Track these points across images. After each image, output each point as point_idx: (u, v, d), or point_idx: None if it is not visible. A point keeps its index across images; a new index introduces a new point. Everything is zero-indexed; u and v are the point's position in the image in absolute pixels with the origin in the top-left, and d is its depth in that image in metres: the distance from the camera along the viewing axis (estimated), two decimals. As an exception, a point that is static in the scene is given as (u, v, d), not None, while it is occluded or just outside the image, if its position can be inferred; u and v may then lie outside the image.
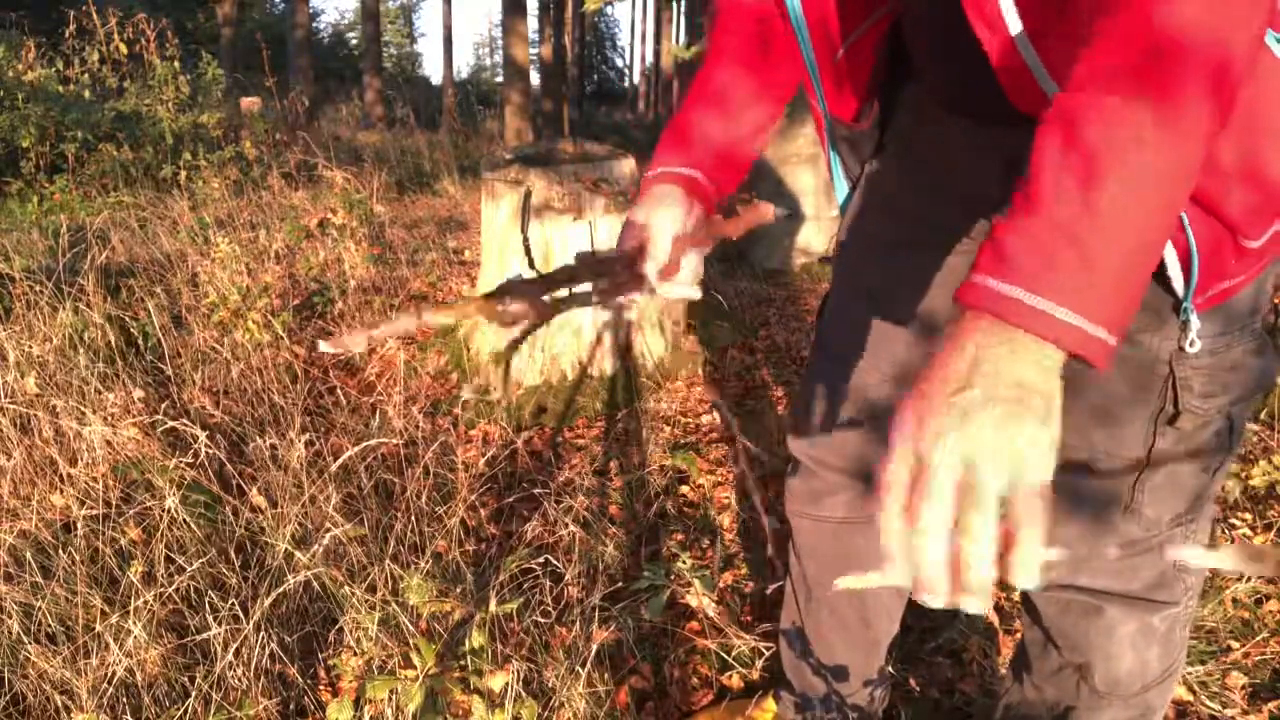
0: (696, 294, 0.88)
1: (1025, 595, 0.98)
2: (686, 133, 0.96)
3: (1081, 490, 0.85)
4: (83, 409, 1.96)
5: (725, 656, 1.53)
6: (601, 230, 2.61)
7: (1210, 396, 0.79)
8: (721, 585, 1.76)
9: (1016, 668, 1.08)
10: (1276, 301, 0.85)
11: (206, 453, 1.84)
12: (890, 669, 1.26)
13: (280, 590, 1.41)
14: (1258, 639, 1.55)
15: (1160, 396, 0.79)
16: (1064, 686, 0.99)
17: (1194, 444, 0.82)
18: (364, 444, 1.84)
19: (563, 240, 2.59)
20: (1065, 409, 0.77)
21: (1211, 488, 0.87)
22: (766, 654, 1.52)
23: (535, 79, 14.83)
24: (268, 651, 1.36)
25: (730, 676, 1.51)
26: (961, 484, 0.51)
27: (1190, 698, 1.43)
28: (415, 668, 1.19)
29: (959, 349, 0.55)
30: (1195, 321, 0.74)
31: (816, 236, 4.35)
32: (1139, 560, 0.87)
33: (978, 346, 0.54)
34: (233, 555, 1.61)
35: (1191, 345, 0.75)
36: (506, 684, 1.21)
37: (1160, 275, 0.72)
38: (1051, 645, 0.98)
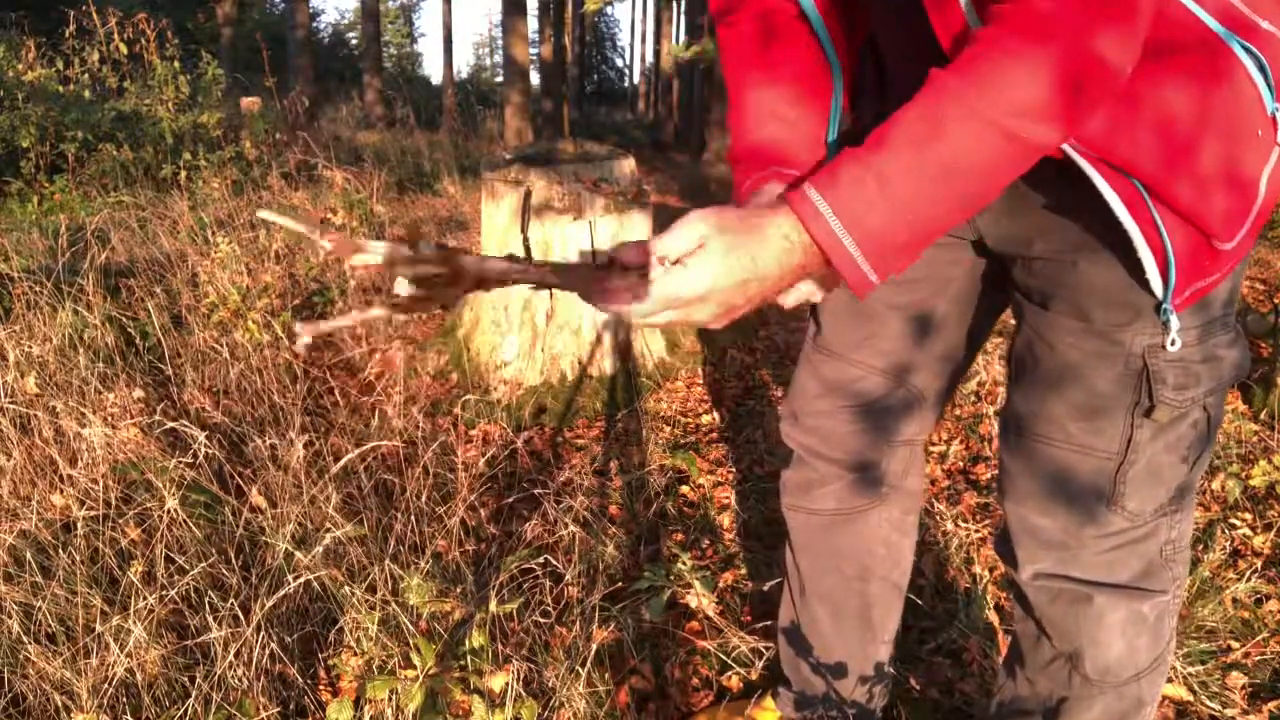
0: None
1: (1017, 587, 0.99)
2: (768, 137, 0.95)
3: (1065, 483, 0.89)
4: (83, 409, 1.96)
5: (725, 656, 1.53)
6: (601, 230, 2.61)
7: (1184, 389, 0.82)
8: (721, 585, 1.76)
9: (1010, 663, 1.09)
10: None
11: (206, 453, 1.84)
12: (890, 668, 1.26)
13: (280, 591, 1.41)
14: (1258, 639, 1.55)
15: (1136, 390, 0.82)
16: (1056, 678, 1.00)
17: (1172, 436, 0.85)
18: (364, 446, 1.84)
19: (563, 240, 2.58)
20: (1046, 405, 0.89)
21: (1192, 479, 0.89)
22: (766, 654, 1.52)
23: (535, 79, 14.83)
24: (268, 652, 1.36)
25: (730, 677, 1.51)
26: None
27: (1190, 698, 1.43)
28: (415, 668, 1.19)
29: (750, 229, 0.68)
30: (1175, 322, 0.78)
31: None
32: (1125, 551, 0.90)
33: (762, 230, 0.67)
34: (233, 556, 1.61)
35: (1173, 344, 0.79)
36: (506, 684, 1.21)
37: (1139, 277, 0.76)
38: (1044, 637, 1.00)
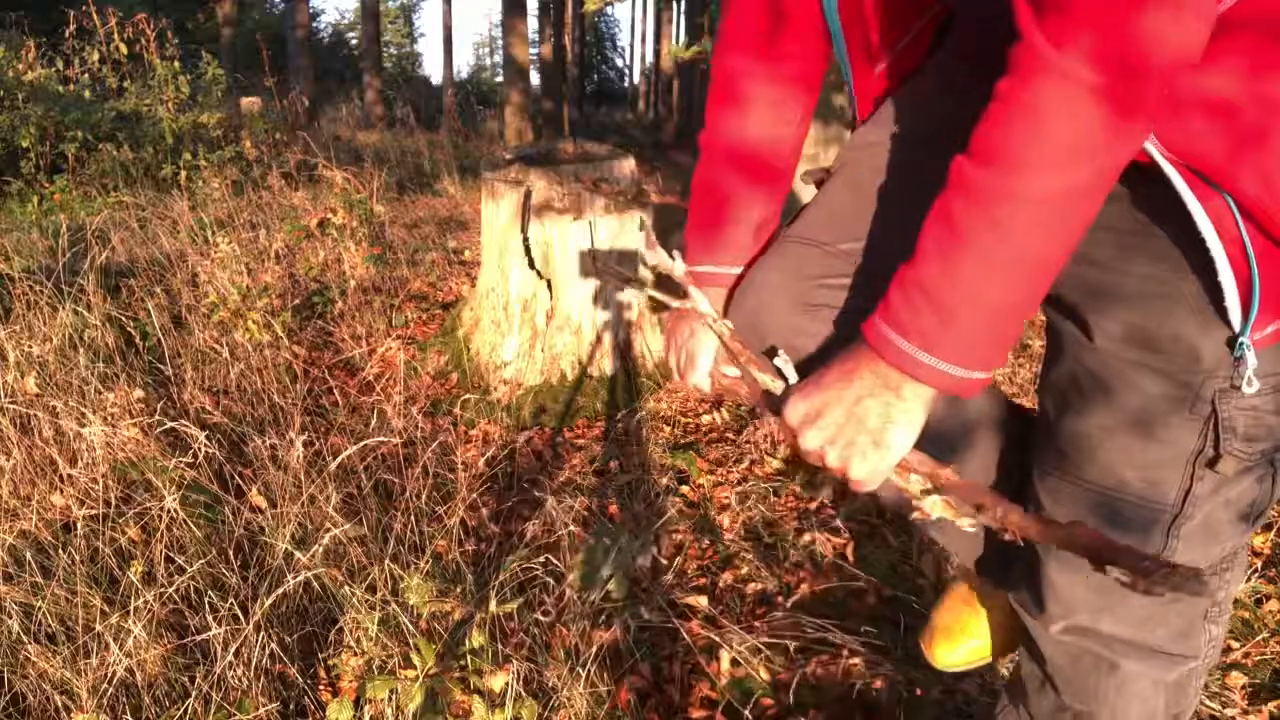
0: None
1: (1029, 635, 0.91)
2: (722, 213, 0.96)
3: (1114, 532, 0.78)
4: (83, 409, 1.96)
5: (725, 656, 1.52)
6: (601, 230, 2.61)
7: (1254, 440, 0.74)
8: (721, 585, 1.76)
9: (1013, 694, 1.00)
10: None
11: (206, 453, 1.84)
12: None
13: (280, 590, 1.41)
14: (1258, 639, 1.55)
15: (1201, 438, 0.74)
16: None
17: (1233, 491, 0.77)
18: (363, 442, 1.84)
19: (563, 240, 2.58)
20: (1097, 449, 0.82)
21: (1246, 538, 0.82)
22: (767, 654, 1.52)
23: (535, 79, 14.83)
24: (268, 651, 1.36)
25: (729, 676, 1.51)
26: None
27: (1190, 698, 1.43)
28: (415, 668, 1.19)
29: (846, 373, 0.71)
30: (1252, 359, 0.69)
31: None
32: (1166, 609, 0.82)
33: (857, 371, 0.71)
34: (232, 555, 1.61)
35: (1249, 384, 0.70)
36: (506, 684, 1.21)
37: (1218, 306, 0.69)
38: (1050, 686, 0.92)
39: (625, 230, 2.64)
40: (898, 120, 0.90)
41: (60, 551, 1.56)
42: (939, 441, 0.92)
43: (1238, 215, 0.66)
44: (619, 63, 46.28)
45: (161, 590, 1.46)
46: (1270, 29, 0.60)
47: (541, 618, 1.53)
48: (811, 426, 0.73)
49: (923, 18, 0.89)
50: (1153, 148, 0.65)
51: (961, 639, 1.10)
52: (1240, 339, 0.68)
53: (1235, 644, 1.55)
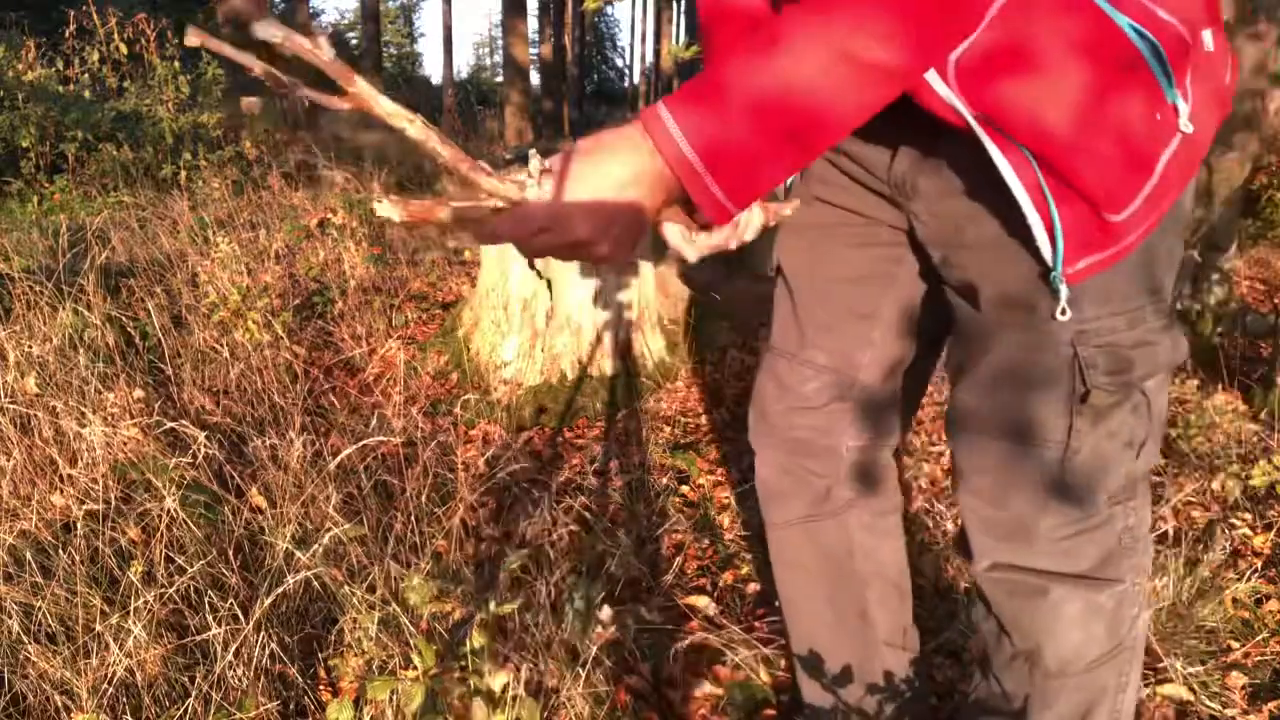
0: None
1: (978, 585, 1.00)
2: None
3: (1015, 474, 0.90)
4: (83, 409, 1.96)
5: (725, 657, 1.52)
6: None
7: (1118, 373, 0.83)
8: (721, 585, 1.76)
9: (979, 661, 1.10)
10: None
11: (206, 453, 1.84)
12: (913, 677, 1.24)
13: (280, 590, 1.41)
14: (1258, 639, 1.55)
15: (1071, 378, 0.84)
16: (1018, 677, 1.01)
17: (1113, 422, 0.86)
18: (363, 442, 1.84)
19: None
20: (989, 399, 0.91)
21: (1141, 466, 0.90)
22: (766, 652, 1.52)
23: (535, 79, 14.83)
24: (268, 651, 1.36)
25: (729, 676, 1.51)
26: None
27: (1190, 698, 1.43)
28: (415, 668, 1.19)
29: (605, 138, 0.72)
30: (1065, 291, 0.79)
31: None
32: (1083, 540, 0.91)
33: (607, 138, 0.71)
34: (232, 556, 1.61)
35: (1063, 314, 0.79)
36: (507, 684, 1.21)
37: (1037, 251, 0.78)
38: (1005, 635, 1.01)
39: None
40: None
41: (60, 551, 1.56)
42: (875, 411, 1.09)
43: (1034, 162, 0.74)
44: (619, 63, 46.29)
45: (161, 590, 1.46)
46: None
47: (541, 618, 1.53)
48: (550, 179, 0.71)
49: None
50: (963, 109, 0.73)
51: None
52: (1054, 273, 0.78)
53: (1235, 644, 1.55)
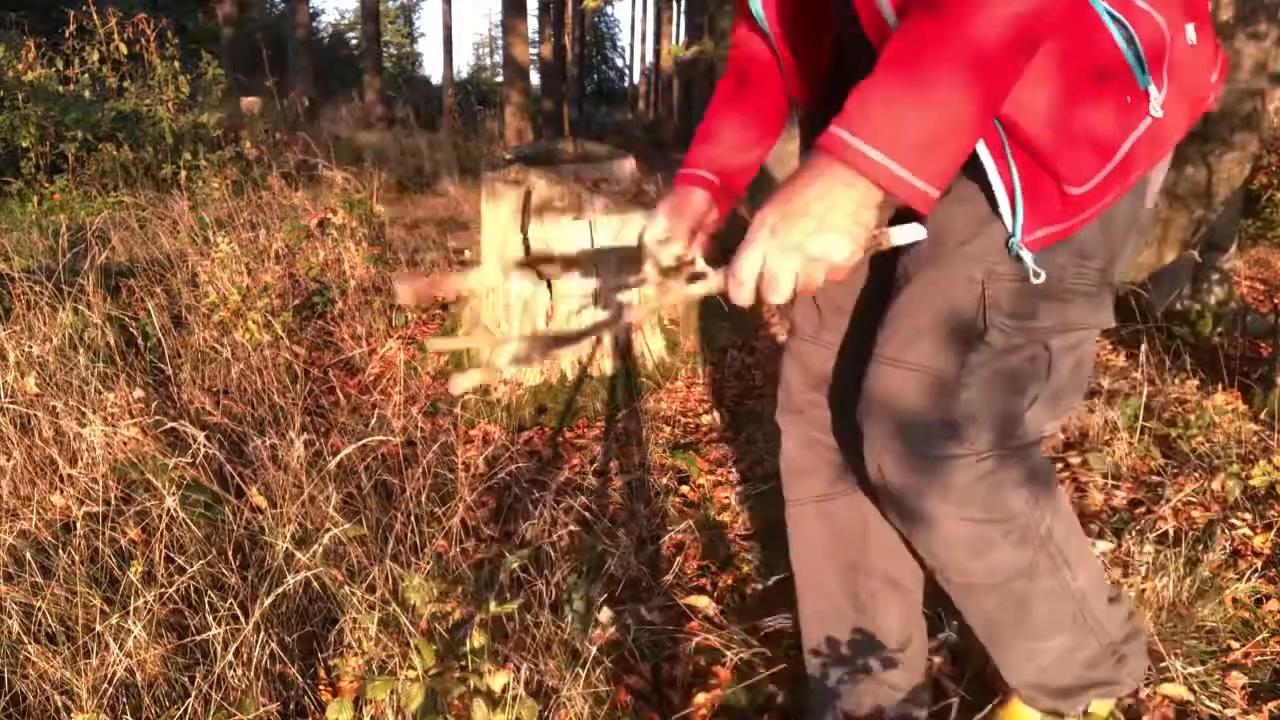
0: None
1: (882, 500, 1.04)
2: (708, 140, 1.10)
3: (913, 403, 0.93)
4: (83, 409, 1.96)
5: (725, 657, 1.52)
6: (602, 230, 2.61)
7: (1019, 317, 0.86)
8: (721, 585, 1.76)
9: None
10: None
11: (206, 453, 1.84)
12: (922, 685, 1.25)
13: (280, 590, 1.41)
14: (1258, 639, 1.55)
15: (975, 314, 0.87)
16: (940, 585, 1.08)
17: (1006, 364, 0.89)
18: (363, 442, 1.84)
19: (563, 240, 2.58)
20: (900, 328, 0.94)
21: (1027, 417, 0.94)
22: (766, 651, 1.52)
23: (535, 79, 14.83)
24: (268, 651, 1.36)
25: (729, 677, 1.51)
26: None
27: (1190, 698, 1.43)
28: (415, 668, 1.19)
29: (796, 186, 0.72)
30: (1029, 257, 0.82)
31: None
32: (967, 477, 0.93)
33: (813, 177, 0.71)
34: (232, 555, 1.61)
35: (1036, 277, 0.83)
36: (507, 684, 1.21)
37: (994, 207, 0.82)
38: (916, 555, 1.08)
39: (626, 230, 2.64)
40: None
41: (60, 551, 1.56)
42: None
43: (1003, 134, 0.78)
44: (619, 63, 46.28)
45: (161, 590, 1.46)
46: None
47: (542, 618, 1.53)
48: (763, 231, 0.73)
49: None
50: None
51: None
52: (1013, 238, 0.82)
53: (1235, 644, 1.55)
